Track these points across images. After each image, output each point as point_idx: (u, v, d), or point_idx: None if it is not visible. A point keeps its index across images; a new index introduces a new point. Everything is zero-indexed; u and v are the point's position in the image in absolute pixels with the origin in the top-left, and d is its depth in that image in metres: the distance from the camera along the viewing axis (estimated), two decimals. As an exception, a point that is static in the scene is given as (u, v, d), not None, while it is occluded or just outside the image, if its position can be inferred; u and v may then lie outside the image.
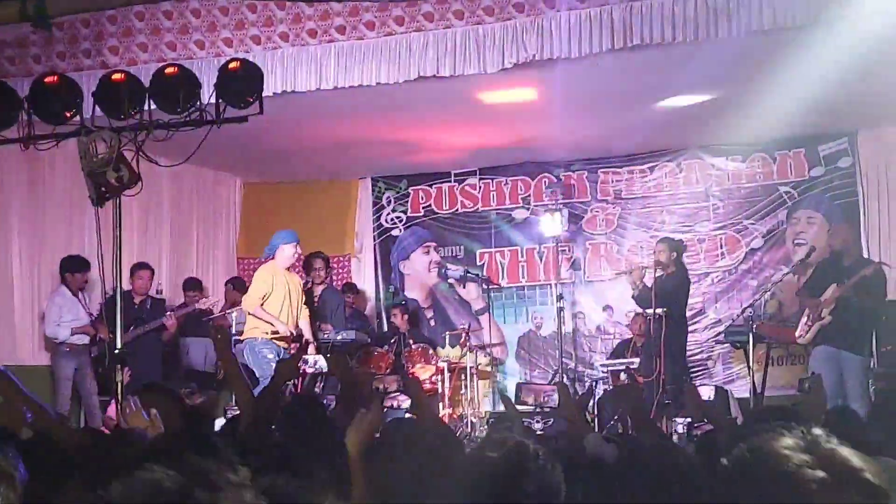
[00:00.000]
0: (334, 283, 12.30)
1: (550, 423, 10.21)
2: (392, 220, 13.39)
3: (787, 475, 1.91)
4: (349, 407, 4.16)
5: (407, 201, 13.34)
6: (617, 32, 7.60)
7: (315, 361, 9.40)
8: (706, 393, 10.54)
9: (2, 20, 8.29)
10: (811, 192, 11.90)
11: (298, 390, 9.38)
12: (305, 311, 9.90)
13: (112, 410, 8.66)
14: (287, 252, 9.78)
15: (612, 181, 12.60)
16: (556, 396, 10.81)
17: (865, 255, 10.84)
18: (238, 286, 12.06)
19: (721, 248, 12.19)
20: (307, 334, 9.77)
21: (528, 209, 12.86)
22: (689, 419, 9.19)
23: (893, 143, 11.49)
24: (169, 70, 7.33)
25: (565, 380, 11.51)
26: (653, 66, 8.69)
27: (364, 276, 13.35)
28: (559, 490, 2.56)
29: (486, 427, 10.57)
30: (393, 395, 10.37)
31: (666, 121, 10.80)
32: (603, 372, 11.49)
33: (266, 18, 8.37)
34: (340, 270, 13.11)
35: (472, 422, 10.72)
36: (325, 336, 10.38)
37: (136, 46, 8.66)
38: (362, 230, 13.47)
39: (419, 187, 13.29)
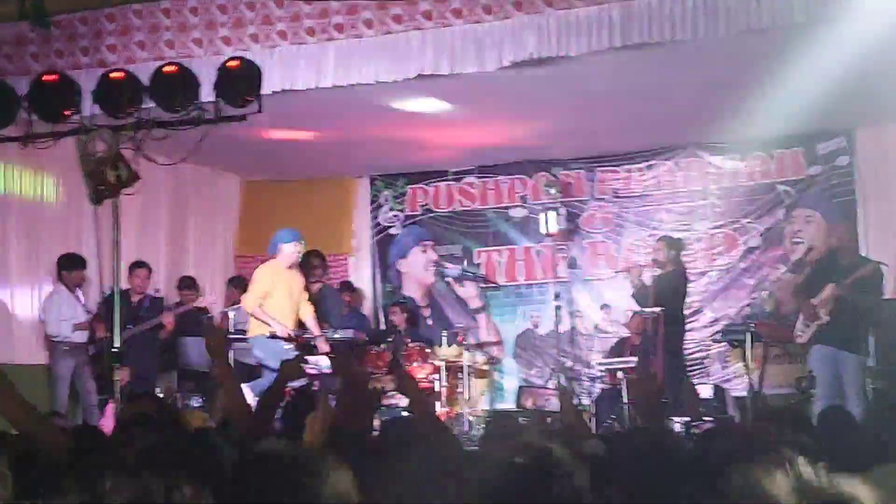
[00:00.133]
0: (332, 282, 12.30)
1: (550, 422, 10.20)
2: (390, 218, 13.39)
3: None
4: (350, 406, 4.16)
5: (405, 200, 13.33)
6: (615, 31, 7.59)
7: (316, 362, 9.41)
8: (705, 392, 10.58)
9: (0, 18, 8.29)
10: (809, 191, 11.90)
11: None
12: (310, 308, 9.89)
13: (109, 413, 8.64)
14: (289, 250, 9.77)
15: (610, 179, 12.60)
16: (554, 400, 10.84)
17: (863, 254, 10.84)
18: (239, 285, 12.07)
19: (719, 246, 12.18)
20: (314, 331, 9.76)
21: (525, 207, 12.86)
22: (687, 418, 9.20)
23: (892, 141, 11.50)
24: (168, 68, 7.35)
25: (563, 379, 11.50)
26: (651, 64, 8.69)
27: (362, 274, 13.34)
28: (585, 495, 2.55)
29: (482, 426, 10.57)
30: (390, 393, 10.36)
31: (664, 119, 10.81)
32: (600, 371, 11.49)
33: (265, 17, 8.35)
34: (338, 269, 13.10)
35: (469, 420, 10.71)
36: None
37: (135, 45, 8.64)
38: (360, 228, 13.46)
39: (417, 186, 13.28)
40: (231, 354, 10.88)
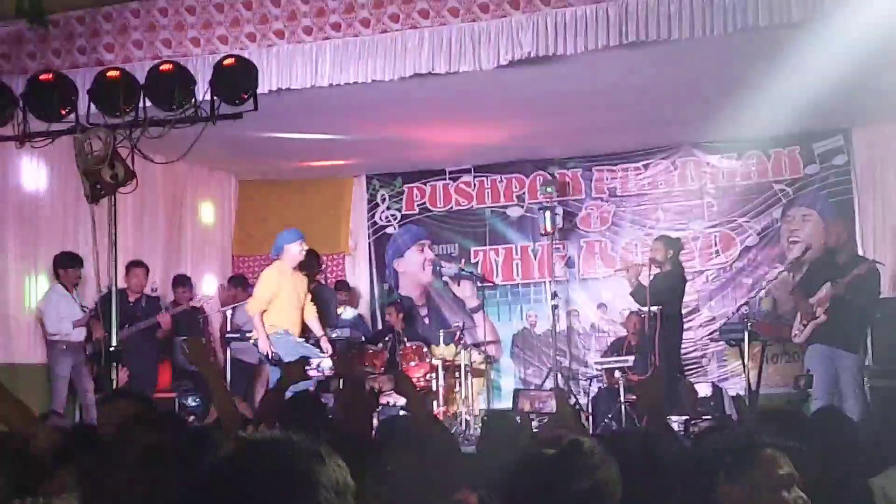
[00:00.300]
0: (328, 282, 12.29)
1: (546, 421, 10.20)
2: (386, 217, 13.39)
3: None
4: (349, 405, 4.16)
5: (401, 199, 13.33)
6: (612, 29, 7.59)
7: (318, 363, 9.39)
8: (703, 390, 10.58)
9: (-3, 16, 8.29)
10: (806, 190, 11.91)
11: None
12: (313, 308, 9.89)
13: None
14: (294, 251, 9.74)
15: (607, 179, 12.61)
16: (551, 402, 10.84)
17: (860, 253, 10.85)
18: (240, 284, 12.08)
19: (716, 245, 12.19)
20: (318, 332, 9.76)
21: (522, 207, 12.86)
22: (684, 417, 9.21)
23: (888, 140, 11.50)
24: (164, 67, 7.33)
25: (560, 378, 11.50)
26: (647, 63, 8.68)
27: (358, 274, 13.34)
28: (615, 487, 2.55)
29: (479, 425, 10.57)
30: (387, 393, 10.35)
31: (661, 118, 10.81)
32: (597, 370, 11.49)
33: (261, 16, 8.36)
34: (335, 268, 13.09)
35: (466, 420, 10.72)
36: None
37: (132, 44, 8.65)
38: (357, 228, 13.46)
39: (414, 185, 13.28)
40: (229, 353, 10.98)
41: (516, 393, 11.57)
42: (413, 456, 3.32)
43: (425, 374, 11.06)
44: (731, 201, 12.17)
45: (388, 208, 13.37)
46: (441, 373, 11.01)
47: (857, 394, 9.29)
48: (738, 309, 11.49)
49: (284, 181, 13.26)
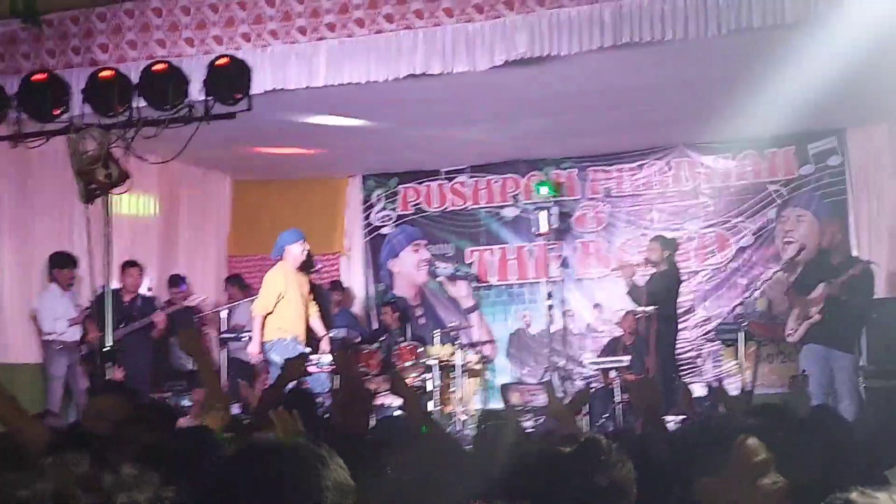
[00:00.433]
0: (321, 281, 12.27)
1: (542, 420, 10.20)
2: (382, 218, 13.37)
3: None
4: (346, 405, 4.15)
5: (396, 199, 13.32)
6: (607, 30, 7.60)
7: (318, 360, 9.40)
8: (699, 390, 10.58)
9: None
10: (800, 191, 11.92)
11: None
12: (315, 308, 9.87)
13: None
14: (296, 251, 9.72)
15: (602, 179, 12.61)
16: (540, 396, 10.84)
17: (854, 254, 10.86)
18: (235, 284, 12.06)
19: (711, 246, 12.20)
20: (320, 332, 9.75)
21: (517, 207, 12.86)
22: (680, 416, 9.20)
23: (882, 141, 11.52)
24: (158, 67, 7.34)
25: (556, 378, 11.51)
26: (642, 63, 8.69)
27: (353, 274, 13.33)
28: (631, 485, 2.56)
29: (474, 425, 10.57)
30: (382, 393, 10.35)
31: (655, 119, 10.81)
32: (593, 370, 11.49)
33: (256, 16, 8.34)
34: (330, 269, 13.08)
35: (461, 419, 10.72)
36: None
37: (126, 44, 8.62)
38: (352, 228, 13.45)
39: (409, 185, 13.27)
40: (226, 353, 10.97)
41: (504, 388, 11.59)
42: (412, 456, 3.33)
43: (420, 374, 11.05)
44: (725, 202, 12.18)
45: (384, 208, 13.36)
46: (436, 373, 11.01)
47: (853, 394, 9.31)
48: (733, 309, 11.52)
49: (279, 181, 13.24)
